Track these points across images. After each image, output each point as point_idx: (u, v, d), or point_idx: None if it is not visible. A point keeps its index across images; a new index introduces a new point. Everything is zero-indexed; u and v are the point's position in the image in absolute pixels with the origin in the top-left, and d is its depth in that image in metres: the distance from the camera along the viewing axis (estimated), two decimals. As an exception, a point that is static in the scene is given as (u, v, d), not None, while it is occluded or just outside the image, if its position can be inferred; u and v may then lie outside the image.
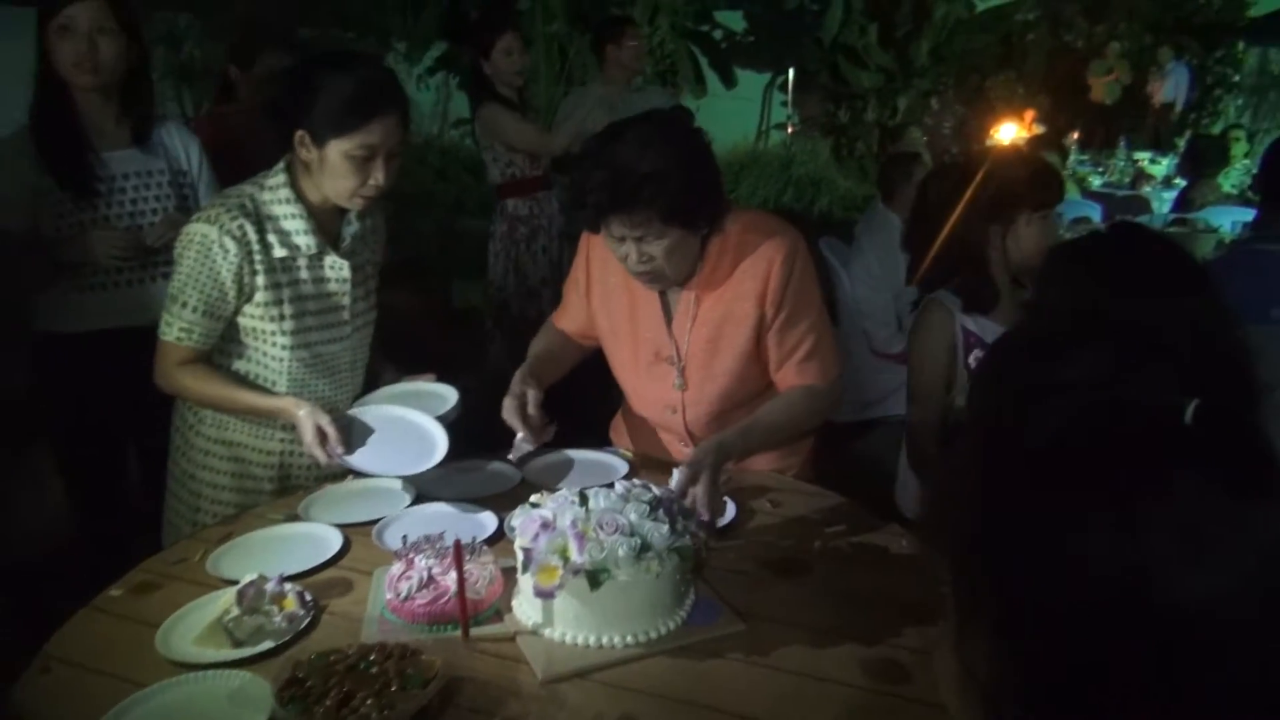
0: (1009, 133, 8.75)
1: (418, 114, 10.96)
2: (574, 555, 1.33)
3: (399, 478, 1.86)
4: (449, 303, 5.65)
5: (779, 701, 1.26)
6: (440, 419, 1.88)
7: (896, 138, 10.40)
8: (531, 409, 1.83)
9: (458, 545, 1.39)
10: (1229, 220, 5.05)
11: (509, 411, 1.82)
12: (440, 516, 1.76)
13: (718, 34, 11.66)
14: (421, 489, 1.87)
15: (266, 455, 1.99)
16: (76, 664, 1.35)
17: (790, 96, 11.68)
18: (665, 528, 1.38)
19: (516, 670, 1.34)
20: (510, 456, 1.87)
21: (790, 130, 11.62)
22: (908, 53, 11.39)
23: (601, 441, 2.16)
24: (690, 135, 1.76)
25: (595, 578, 1.33)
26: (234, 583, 1.50)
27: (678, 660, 1.35)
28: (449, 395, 1.99)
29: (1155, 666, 0.56)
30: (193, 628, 1.41)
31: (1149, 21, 11.39)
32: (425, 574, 1.44)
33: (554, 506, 1.41)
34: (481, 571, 1.46)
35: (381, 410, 1.93)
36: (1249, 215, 4.88)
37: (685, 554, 1.39)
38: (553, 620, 1.39)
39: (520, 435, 1.82)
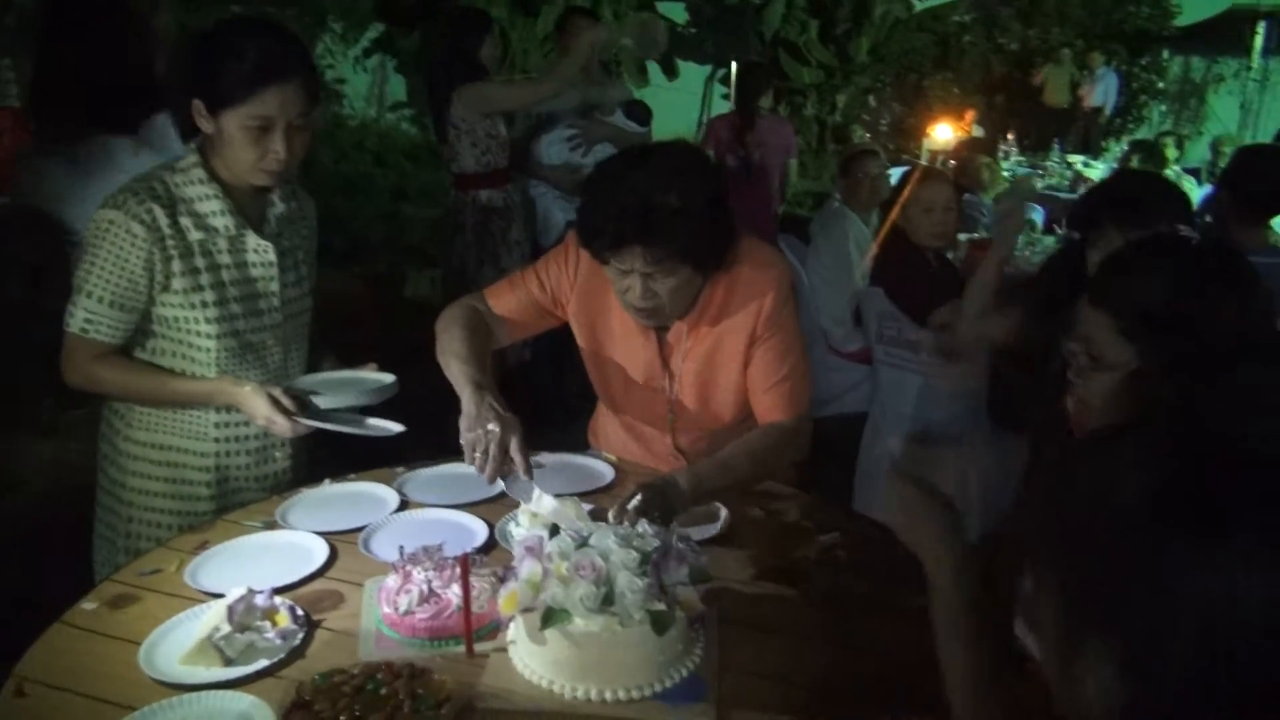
0: (944, 133, 8.91)
1: (354, 96, 10.73)
2: (541, 592, 1.27)
3: (377, 438, 1.80)
4: (399, 294, 5.53)
5: None
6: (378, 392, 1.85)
7: (841, 135, 10.52)
8: (515, 451, 1.60)
9: (464, 560, 1.35)
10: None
11: (483, 465, 1.59)
12: (428, 524, 1.71)
13: (661, 25, 11.61)
14: (405, 495, 1.82)
15: (201, 458, 1.88)
16: (55, 686, 1.27)
17: (732, 89, 11.72)
18: (643, 584, 1.25)
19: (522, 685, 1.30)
20: (514, 494, 1.66)
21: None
22: (847, 50, 11.52)
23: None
24: (713, 172, 1.70)
25: (550, 616, 1.25)
26: (214, 595, 1.44)
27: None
28: (387, 379, 1.91)
29: None
30: (178, 645, 1.34)
31: (1080, 27, 11.73)
32: (425, 587, 1.39)
33: (553, 543, 1.32)
34: (483, 584, 1.42)
35: (318, 379, 1.92)
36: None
37: (661, 620, 1.25)
38: (518, 646, 1.33)
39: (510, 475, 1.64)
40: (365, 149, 9.67)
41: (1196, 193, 5.48)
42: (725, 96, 12.20)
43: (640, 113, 4.21)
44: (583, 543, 1.31)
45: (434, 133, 4.23)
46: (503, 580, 1.38)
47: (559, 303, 1.90)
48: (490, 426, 1.59)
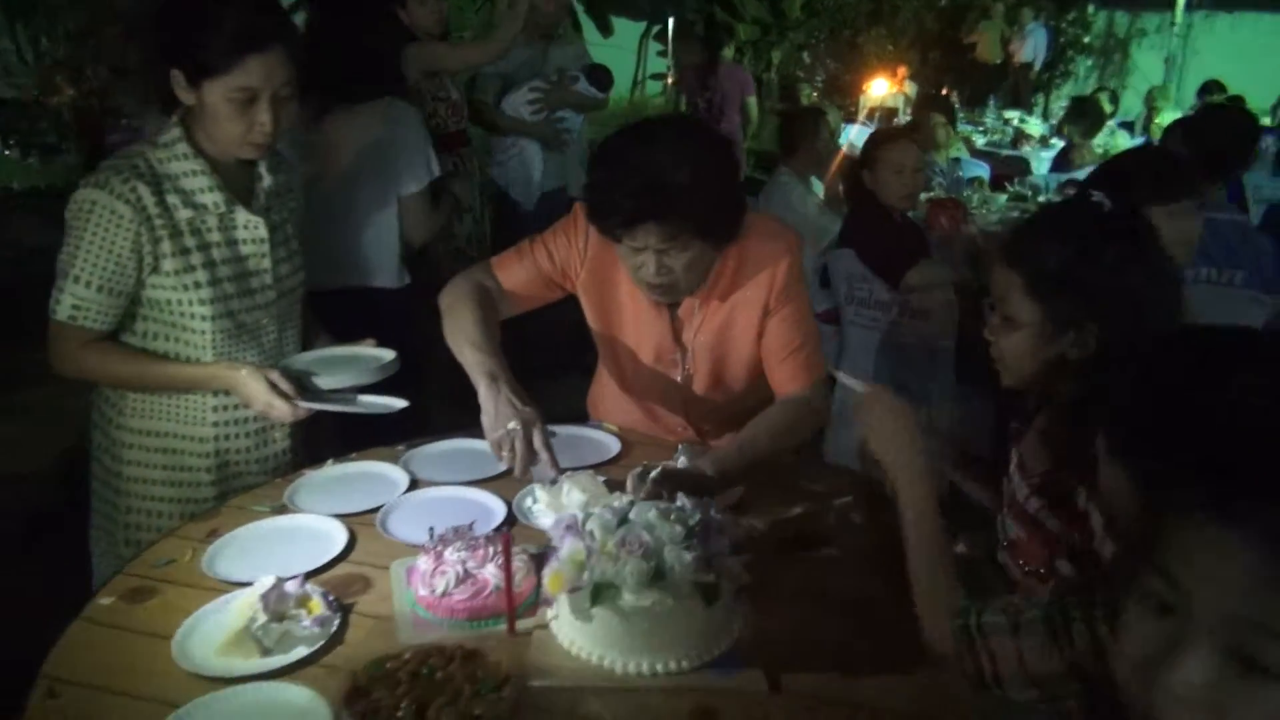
0: (880, 88, 8.96)
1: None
2: (586, 571, 1.27)
3: (378, 414, 1.77)
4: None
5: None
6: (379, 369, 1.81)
7: (788, 93, 10.51)
8: (540, 447, 1.57)
9: (506, 539, 1.34)
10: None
11: (512, 462, 1.57)
12: (444, 503, 1.69)
13: (596, -20, 11.44)
14: (413, 473, 1.79)
15: (199, 443, 1.83)
16: (86, 685, 1.24)
17: (670, 46, 11.62)
18: (691, 556, 1.25)
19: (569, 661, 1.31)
20: (539, 482, 1.64)
21: (669, 81, 11.56)
22: (781, 6, 11.49)
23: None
24: (723, 146, 1.70)
25: (599, 593, 1.24)
26: (236, 584, 1.42)
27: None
28: (386, 355, 1.87)
29: None
30: (209, 637, 1.31)
31: (1011, -19, 11.87)
32: (461, 568, 1.38)
33: (592, 520, 1.32)
34: (517, 562, 1.41)
35: (312, 357, 1.90)
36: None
37: (710, 592, 1.26)
38: (561, 622, 1.33)
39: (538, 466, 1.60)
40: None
41: (1130, 144, 5.62)
42: (661, 53, 12.10)
43: (601, 78, 4.12)
44: (623, 518, 1.32)
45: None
46: (538, 559, 1.38)
47: (568, 276, 1.88)
48: (511, 425, 1.56)
